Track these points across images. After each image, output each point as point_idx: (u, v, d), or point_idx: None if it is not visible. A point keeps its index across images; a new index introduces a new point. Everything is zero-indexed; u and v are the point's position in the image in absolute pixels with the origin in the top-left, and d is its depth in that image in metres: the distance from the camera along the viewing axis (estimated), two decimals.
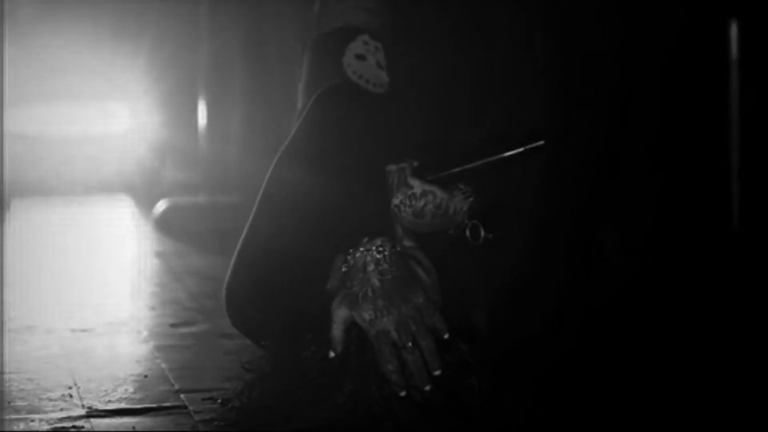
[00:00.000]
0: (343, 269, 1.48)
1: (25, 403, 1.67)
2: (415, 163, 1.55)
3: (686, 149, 2.09)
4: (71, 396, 1.71)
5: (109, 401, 1.68)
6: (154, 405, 1.66)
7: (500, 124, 1.67)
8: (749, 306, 2.15)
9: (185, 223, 4.09)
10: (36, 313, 2.45)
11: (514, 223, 1.61)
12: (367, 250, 1.47)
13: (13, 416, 1.60)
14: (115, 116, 5.10)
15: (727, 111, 2.59)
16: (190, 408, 1.64)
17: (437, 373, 1.42)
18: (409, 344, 1.42)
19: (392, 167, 1.55)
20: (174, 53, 4.73)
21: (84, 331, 2.25)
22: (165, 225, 4.12)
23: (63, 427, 1.55)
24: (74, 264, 3.35)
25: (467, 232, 1.54)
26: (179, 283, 2.89)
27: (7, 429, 1.54)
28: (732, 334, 1.98)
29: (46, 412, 1.62)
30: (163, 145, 4.96)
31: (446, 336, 1.44)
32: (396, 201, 1.53)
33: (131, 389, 1.75)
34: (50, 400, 1.69)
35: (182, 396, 1.71)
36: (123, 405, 1.66)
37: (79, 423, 1.57)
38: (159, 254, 3.49)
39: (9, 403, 1.67)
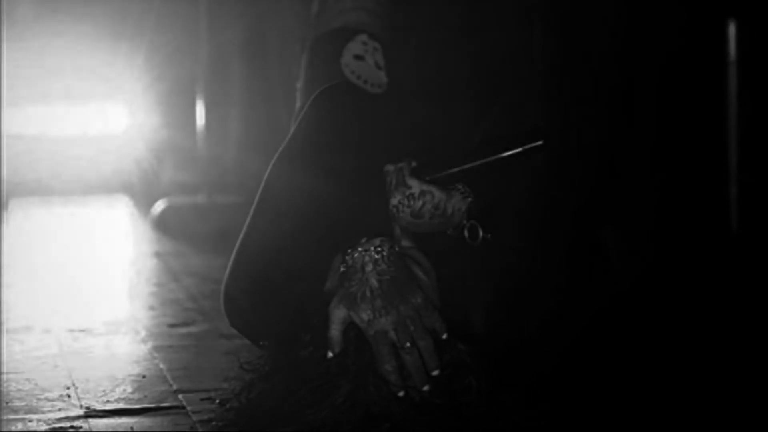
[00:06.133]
0: (342, 269, 1.48)
1: (23, 404, 1.67)
2: (414, 163, 1.54)
3: (685, 149, 2.09)
4: (69, 396, 1.71)
5: (107, 401, 1.68)
6: (152, 405, 1.66)
7: (499, 124, 1.67)
8: (748, 306, 2.15)
9: (183, 223, 4.08)
10: (34, 313, 2.45)
11: (512, 223, 1.61)
12: (366, 251, 1.47)
13: (11, 416, 1.60)
14: (113, 116, 5.09)
15: (725, 111, 2.59)
16: (189, 408, 1.64)
17: (435, 373, 1.42)
18: (408, 344, 1.42)
19: (390, 167, 1.54)
20: (172, 53, 4.72)
21: (82, 331, 2.24)
22: (163, 225, 4.12)
23: (61, 428, 1.55)
24: (72, 264, 3.35)
25: (465, 233, 1.54)
26: (178, 283, 2.89)
27: (5, 429, 1.54)
28: (731, 334, 1.98)
29: (44, 413, 1.62)
30: (162, 146, 4.95)
31: (444, 336, 1.44)
32: (394, 201, 1.53)
33: (129, 389, 1.75)
34: (48, 400, 1.69)
35: (180, 396, 1.71)
36: (121, 405, 1.66)
37: (77, 423, 1.57)
38: (157, 254, 3.49)
39: (7, 403, 1.67)
